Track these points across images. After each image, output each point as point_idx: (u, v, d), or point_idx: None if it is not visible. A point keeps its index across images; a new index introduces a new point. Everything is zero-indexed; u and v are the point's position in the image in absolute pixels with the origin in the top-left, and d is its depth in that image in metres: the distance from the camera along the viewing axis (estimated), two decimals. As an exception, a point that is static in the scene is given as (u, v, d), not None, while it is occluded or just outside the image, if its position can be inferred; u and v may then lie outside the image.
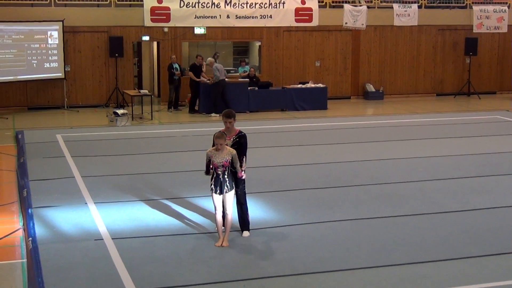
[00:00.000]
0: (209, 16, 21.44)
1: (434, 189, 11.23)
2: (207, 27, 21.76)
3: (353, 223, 9.39)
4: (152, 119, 19.06)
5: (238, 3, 21.71)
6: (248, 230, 8.78)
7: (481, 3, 24.81)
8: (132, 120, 18.72)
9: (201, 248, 8.38)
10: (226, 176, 8.32)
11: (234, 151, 8.36)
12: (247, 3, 21.84)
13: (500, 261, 8.01)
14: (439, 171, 12.56)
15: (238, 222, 8.87)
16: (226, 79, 19.80)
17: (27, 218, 9.29)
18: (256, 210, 9.80)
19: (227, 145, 8.40)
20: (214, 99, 19.56)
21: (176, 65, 20.69)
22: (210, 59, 20.29)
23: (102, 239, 8.63)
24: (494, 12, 24.33)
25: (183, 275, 7.56)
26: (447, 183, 11.67)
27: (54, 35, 20.21)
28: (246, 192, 8.84)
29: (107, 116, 18.98)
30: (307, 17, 22.65)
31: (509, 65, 25.02)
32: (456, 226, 9.25)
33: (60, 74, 20.53)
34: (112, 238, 8.62)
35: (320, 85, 21.73)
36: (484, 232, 9.00)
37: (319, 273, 7.63)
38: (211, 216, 9.06)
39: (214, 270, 7.76)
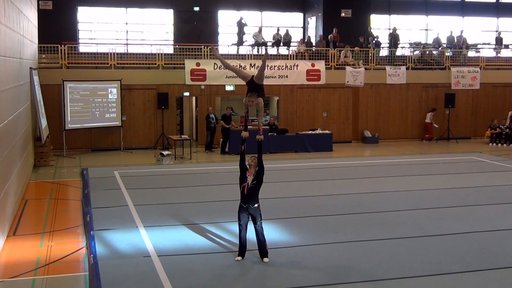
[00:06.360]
0: (237, 76, 21.58)
1: (421, 217, 11.08)
2: (235, 85, 21.90)
3: (354, 244, 9.28)
4: (191, 158, 19.11)
5: (261, 66, 21.86)
6: (267, 257, 8.40)
7: (458, 65, 24.81)
8: (175, 159, 18.79)
9: (230, 263, 8.33)
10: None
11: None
12: (268, 65, 22.01)
13: (477, 277, 7.89)
14: (425, 202, 12.39)
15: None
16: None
17: (89, 239, 9.33)
18: (274, 233, 9.74)
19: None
20: None
21: (212, 115, 20.85)
22: None
23: (150, 256, 8.62)
24: (469, 72, 24.29)
25: (216, 286, 7.51)
26: (432, 212, 11.50)
27: (113, 91, 20.50)
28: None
29: (154, 156, 19.09)
30: (316, 77, 22.76)
31: (482, 115, 24.84)
32: (440, 248, 9.12)
33: (117, 123, 20.75)
34: (158, 255, 8.60)
35: (327, 131, 21.71)
36: (463, 253, 8.86)
37: (326, 285, 7.55)
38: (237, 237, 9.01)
39: (240, 281, 7.70)
